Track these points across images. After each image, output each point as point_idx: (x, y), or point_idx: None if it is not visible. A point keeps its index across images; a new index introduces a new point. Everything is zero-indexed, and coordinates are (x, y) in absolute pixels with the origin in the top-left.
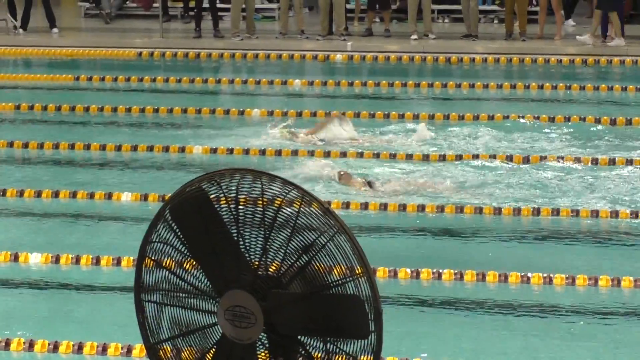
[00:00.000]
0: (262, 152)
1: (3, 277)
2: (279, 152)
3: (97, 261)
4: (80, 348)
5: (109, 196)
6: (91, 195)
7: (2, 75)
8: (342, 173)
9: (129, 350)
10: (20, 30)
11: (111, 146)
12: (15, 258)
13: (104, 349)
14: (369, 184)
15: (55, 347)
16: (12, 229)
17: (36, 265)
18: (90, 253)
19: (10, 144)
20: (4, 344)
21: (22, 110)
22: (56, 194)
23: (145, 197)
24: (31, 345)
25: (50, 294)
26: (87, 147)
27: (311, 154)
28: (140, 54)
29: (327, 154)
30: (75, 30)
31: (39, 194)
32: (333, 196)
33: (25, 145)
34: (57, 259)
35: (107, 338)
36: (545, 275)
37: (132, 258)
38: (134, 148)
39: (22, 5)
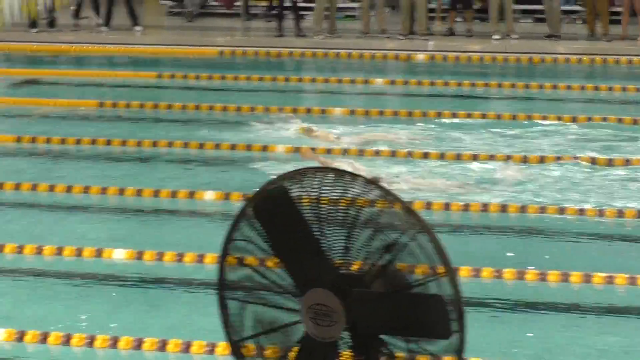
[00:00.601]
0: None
1: (87, 273)
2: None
3: (180, 258)
4: (164, 346)
5: (192, 194)
6: (174, 194)
7: (85, 72)
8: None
9: (212, 349)
10: (104, 28)
11: (195, 144)
12: (99, 254)
13: (187, 347)
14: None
15: (139, 345)
16: (95, 226)
17: (119, 261)
18: (173, 250)
19: (94, 141)
20: (89, 340)
21: (106, 107)
22: (139, 192)
23: (227, 195)
24: (115, 342)
25: (133, 291)
26: (170, 144)
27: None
28: (222, 52)
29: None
30: (158, 28)
31: (121, 192)
32: None
33: (108, 142)
34: (140, 256)
35: (190, 336)
36: (629, 276)
37: (214, 255)
38: (217, 146)
39: (106, 3)
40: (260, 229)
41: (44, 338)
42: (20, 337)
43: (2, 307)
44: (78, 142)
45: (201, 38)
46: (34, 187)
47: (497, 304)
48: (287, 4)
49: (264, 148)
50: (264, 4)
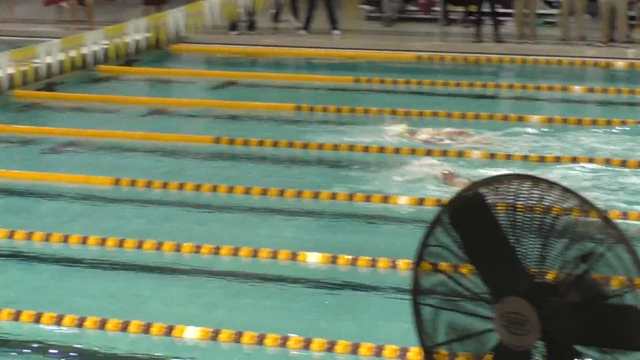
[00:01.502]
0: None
1: (280, 275)
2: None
3: (374, 263)
4: (356, 349)
5: (385, 199)
6: (368, 198)
7: (284, 75)
8: (445, 173)
9: (404, 353)
10: (302, 31)
11: (390, 149)
12: (294, 257)
13: (380, 351)
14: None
15: (332, 347)
16: (290, 229)
17: (314, 264)
18: (366, 255)
19: (290, 144)
20: (282, 341)
21: (303, 110)
22: (333, 195)
23: (421, 201)
24: (308, 344)
25: (327, 294)
26: (366, 149)
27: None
28: (419, 57)
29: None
30: (356, 33)
31: (316, 195)
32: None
33: (305, 146)
34: (334, 260)
35: (382, 340)
36: None
37: (408, 261)
38: (413, 151)
39: (307, 7)
40: (455, 235)
41: (238, 337)
42: (215, 336)
43: (198, 306)
44: (275, 144)
45: (399, 43)
46: (231, 190)
47: None
48: (486, 9)
49: (460, 154)
50: (463, 9)
